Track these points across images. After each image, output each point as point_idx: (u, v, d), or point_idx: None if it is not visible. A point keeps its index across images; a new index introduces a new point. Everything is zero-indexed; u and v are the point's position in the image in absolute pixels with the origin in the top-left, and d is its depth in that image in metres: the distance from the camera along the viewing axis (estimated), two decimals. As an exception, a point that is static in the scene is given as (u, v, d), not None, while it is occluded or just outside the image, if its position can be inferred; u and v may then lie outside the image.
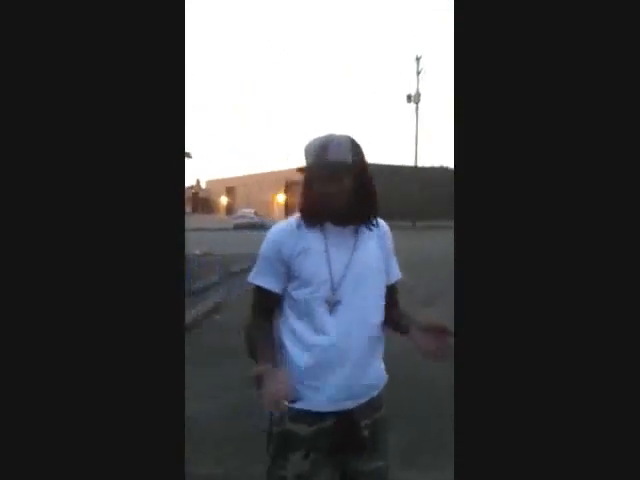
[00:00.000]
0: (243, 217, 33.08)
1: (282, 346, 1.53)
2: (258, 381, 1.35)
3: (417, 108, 33.28)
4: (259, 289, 1.55)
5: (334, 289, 1.48)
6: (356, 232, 1.55)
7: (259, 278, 1.55)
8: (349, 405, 1.49)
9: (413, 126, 33.74)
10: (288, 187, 47.51)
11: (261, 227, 31.35)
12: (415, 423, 3.35)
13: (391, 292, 1.67)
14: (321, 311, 1.47)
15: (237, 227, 30.92)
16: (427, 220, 31.05)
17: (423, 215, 31.74)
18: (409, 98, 33.30)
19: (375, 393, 1.57)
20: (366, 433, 1.53)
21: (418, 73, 33.08)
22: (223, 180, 63.54)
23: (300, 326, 1.50)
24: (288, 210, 47.88)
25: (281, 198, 49.10)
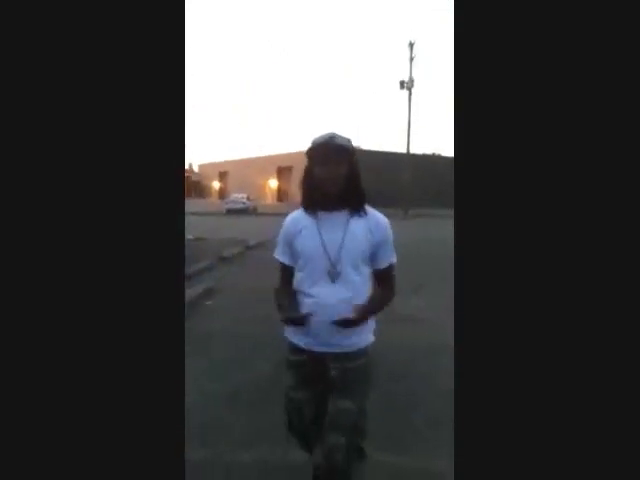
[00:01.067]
0: (235, 202, 32.79)
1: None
2: (287, 320, 1.92)
3: (410, 94, 33.17)
4: (281, 263, 2.02)
5: (333, 263, 1.86)
6: (347, 218, 1.90)
7: (280, 256, 2.03)
8: (320, 349, 1.93)
9: (406, 112, 33.54)
10: (280, 172, 47.36)
11: (253, 212, 31.23)
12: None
13: (381, 275, 1.97)
14: (313, 279, 1.89)
15: (229, 211, 30.78)
16: (419, 208, 31.05)
17: (415, 203, 31.71)
18: (402, 84, 33.10)
19: (350, 350, 1.93)
20: (334, 374, 1.93)
21: (411, 59, 32.86)
22: (216, 164, 63.15)
23: (302, 289, 1.94)
24: (280, 195, 47.84)
25: (274, 183, 48.95)
